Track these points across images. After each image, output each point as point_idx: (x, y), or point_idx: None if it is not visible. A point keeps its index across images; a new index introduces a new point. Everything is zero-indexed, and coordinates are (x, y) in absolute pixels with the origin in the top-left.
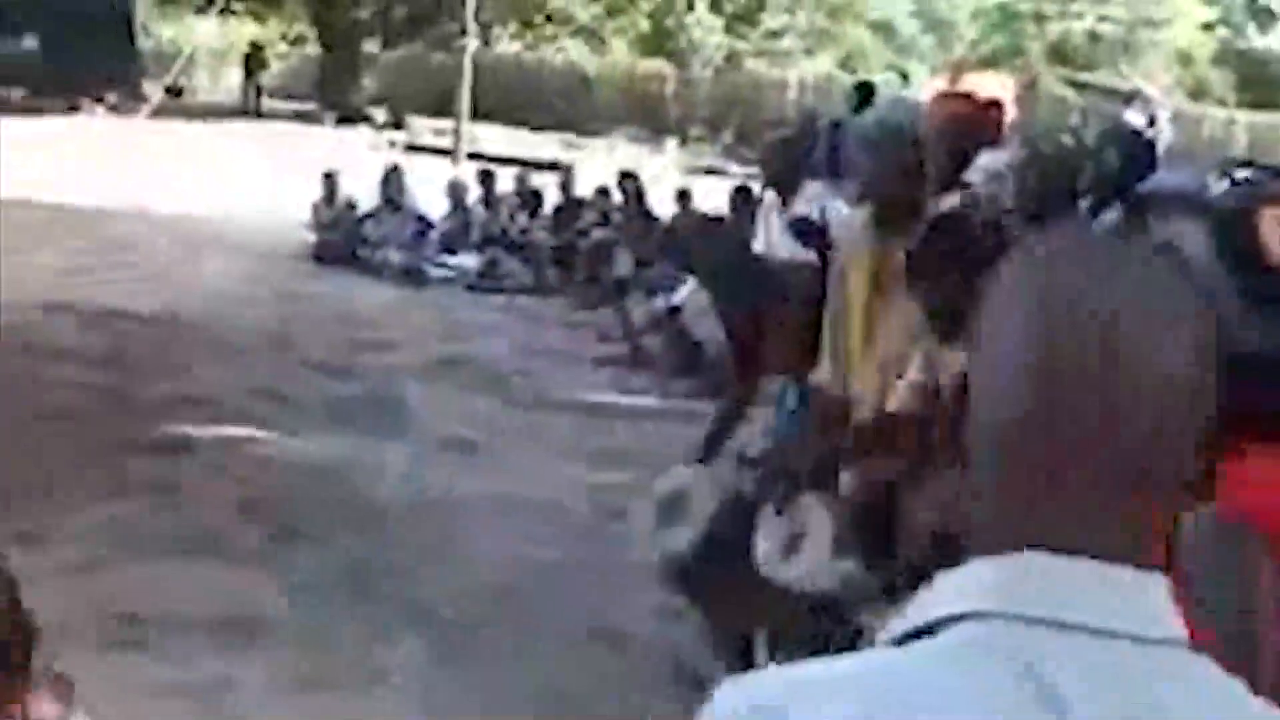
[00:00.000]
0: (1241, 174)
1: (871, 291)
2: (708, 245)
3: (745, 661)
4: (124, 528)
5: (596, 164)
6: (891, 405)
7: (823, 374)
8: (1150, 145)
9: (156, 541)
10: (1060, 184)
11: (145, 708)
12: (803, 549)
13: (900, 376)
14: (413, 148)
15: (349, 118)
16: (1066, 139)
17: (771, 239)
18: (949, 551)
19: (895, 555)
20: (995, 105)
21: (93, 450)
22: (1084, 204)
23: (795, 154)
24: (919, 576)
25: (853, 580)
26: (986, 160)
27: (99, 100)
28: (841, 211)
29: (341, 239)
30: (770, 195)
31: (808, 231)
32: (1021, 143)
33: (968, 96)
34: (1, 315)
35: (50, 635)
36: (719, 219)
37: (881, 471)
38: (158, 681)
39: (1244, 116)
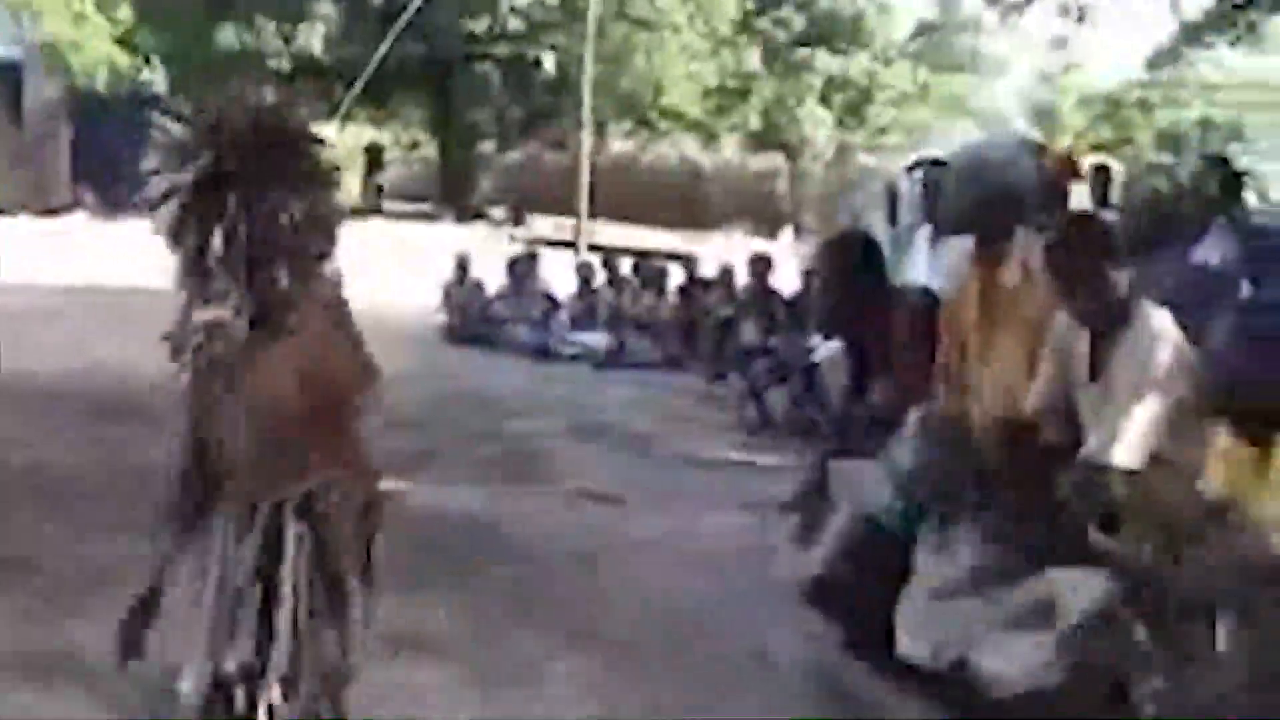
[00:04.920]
0: None
1: (981, 318)
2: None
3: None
4: None
5: (714, 253)
6: (1030, 405)
7: (945, 402)
8: (1239, 176)
9: None
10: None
11: None
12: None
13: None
14: (533, 242)
15: (468, 216)
16: (1162, 183)
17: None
18: None
19: None
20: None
21: None
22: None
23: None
24: None
25: None
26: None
27: None
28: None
29: (472, 318)
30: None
31: None
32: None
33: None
34: None
35: None
36: (861, 234)
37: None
38: None
39: None
